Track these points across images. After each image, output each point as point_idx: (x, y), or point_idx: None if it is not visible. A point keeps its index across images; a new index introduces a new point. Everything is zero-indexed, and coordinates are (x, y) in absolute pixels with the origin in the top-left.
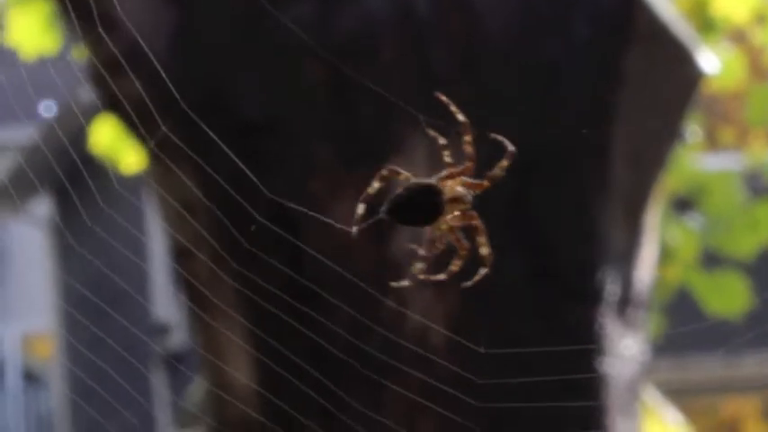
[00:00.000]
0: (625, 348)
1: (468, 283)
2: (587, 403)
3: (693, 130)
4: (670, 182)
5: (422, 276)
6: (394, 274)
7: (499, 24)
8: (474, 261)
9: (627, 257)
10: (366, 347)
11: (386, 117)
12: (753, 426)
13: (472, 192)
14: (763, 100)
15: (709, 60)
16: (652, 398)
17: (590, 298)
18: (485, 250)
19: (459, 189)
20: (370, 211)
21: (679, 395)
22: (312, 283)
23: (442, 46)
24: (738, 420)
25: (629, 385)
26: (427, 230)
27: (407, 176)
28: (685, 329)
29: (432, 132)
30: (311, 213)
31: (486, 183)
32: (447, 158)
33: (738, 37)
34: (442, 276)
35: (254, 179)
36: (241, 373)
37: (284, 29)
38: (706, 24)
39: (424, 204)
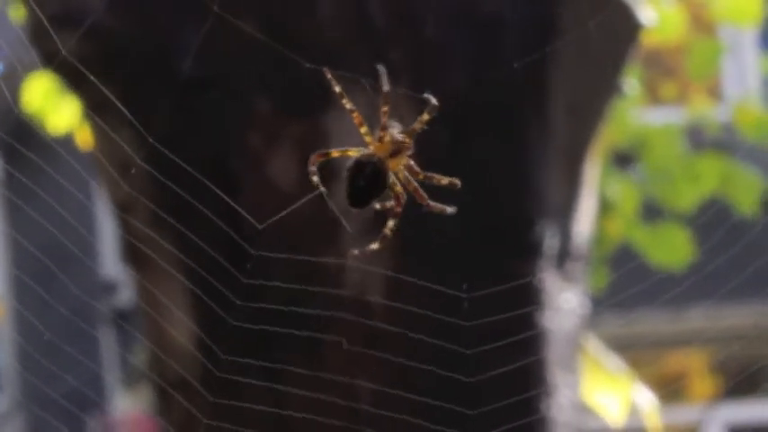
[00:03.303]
0: (564, 302)
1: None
2: (527, 358)
3: (633, 83)
4: (611, 136)
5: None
6: (334, 226)
7: None
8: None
9: (566, 210)
10: (306, 302)
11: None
12: (698, 380)
13: (406, 143)
14: (705, 54)
15: (648, 13)
16: (595, 349)
17: (529, 251)
18: (445, 181)
19: (396, 137)
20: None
21: (623, 349)
22: (251, 237)
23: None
24: (684, 374)
25: (568, 339)
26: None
27: (340, 152)
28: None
29: (343, 96)
30: (250, 167)
31: (409, 136)
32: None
33: None
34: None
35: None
36: (180, 331)
37: None
38: None
39: (371, 176)
